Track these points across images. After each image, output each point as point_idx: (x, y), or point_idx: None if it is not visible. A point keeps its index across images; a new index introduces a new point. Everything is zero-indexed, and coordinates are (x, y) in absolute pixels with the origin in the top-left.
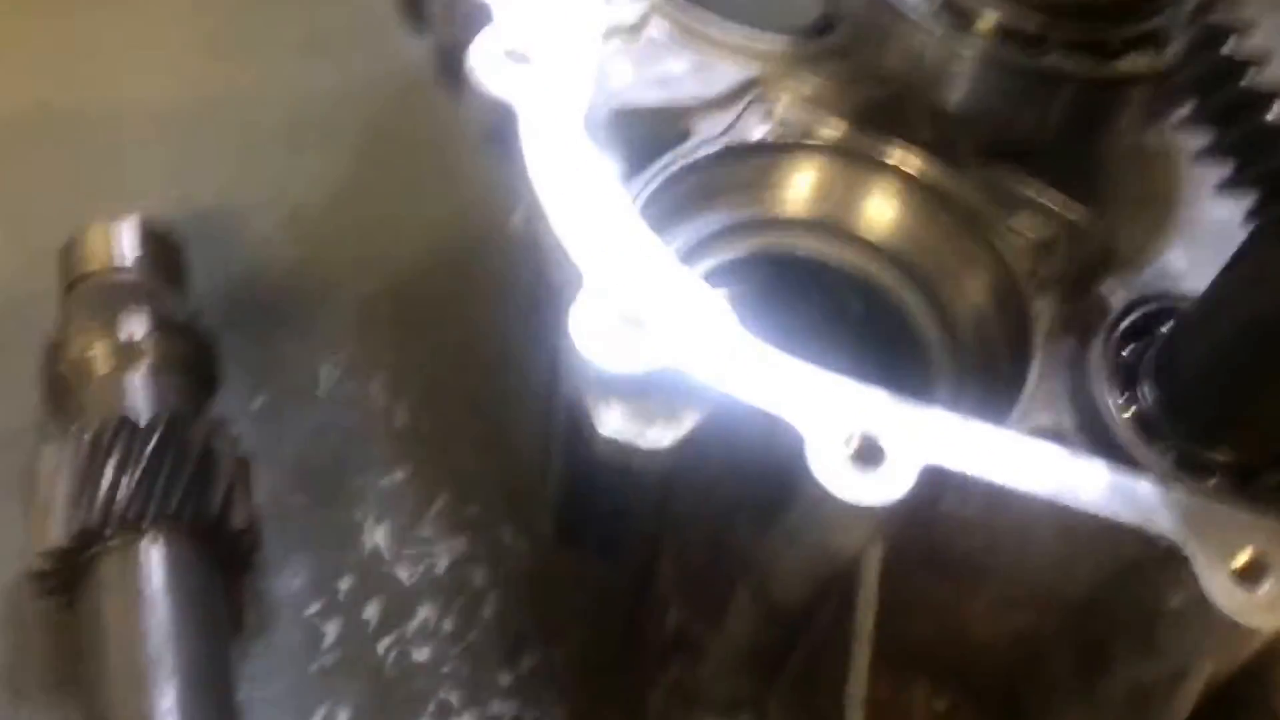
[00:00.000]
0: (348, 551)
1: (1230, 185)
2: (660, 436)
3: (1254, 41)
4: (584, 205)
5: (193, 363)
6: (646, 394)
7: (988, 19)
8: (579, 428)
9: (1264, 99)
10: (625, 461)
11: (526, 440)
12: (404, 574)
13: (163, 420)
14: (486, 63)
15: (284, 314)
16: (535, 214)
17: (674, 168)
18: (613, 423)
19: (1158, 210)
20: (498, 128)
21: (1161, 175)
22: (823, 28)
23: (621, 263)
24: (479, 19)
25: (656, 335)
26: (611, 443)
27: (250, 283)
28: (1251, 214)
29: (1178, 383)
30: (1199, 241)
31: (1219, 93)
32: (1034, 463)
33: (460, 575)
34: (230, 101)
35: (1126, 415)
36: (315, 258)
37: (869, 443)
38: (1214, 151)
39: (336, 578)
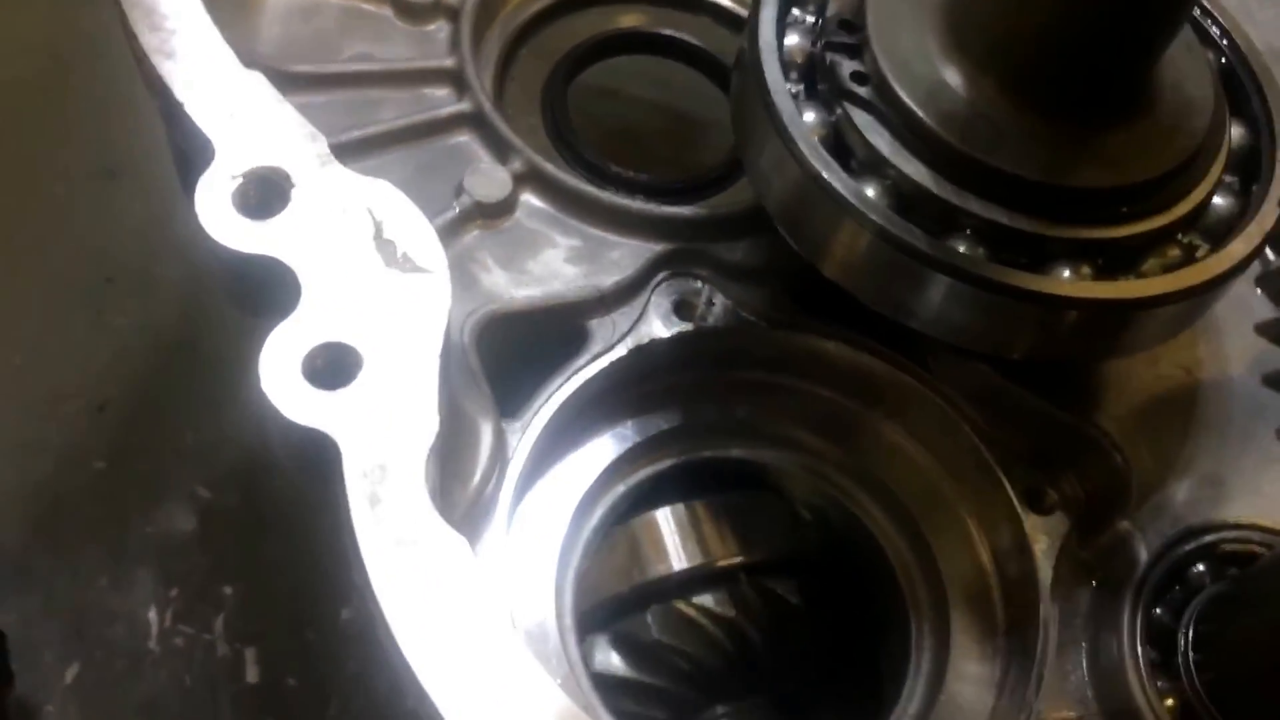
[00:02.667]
0: None
1: None
2: None
3: None
4: (444, 622)
5: None
6: None
7: (970, 218)
8: None
9: None
10: None
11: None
12: None
13: None
14: (288, 381)
15: (100, 544)
16: (379, 627)
17: (571, 385)
18: None
19: (1177, 414)
20: (309, 459)
21: (1178, 369)
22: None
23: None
24: None
25: None
26: None
27: (52, 508)
28: None
29: (1230, 668)
30: (1232, 455)
31: None
32: None
33: None
34: (11, 256)
35: (1167, 705)
36: (137, 458)
37: None
38: None
39: None
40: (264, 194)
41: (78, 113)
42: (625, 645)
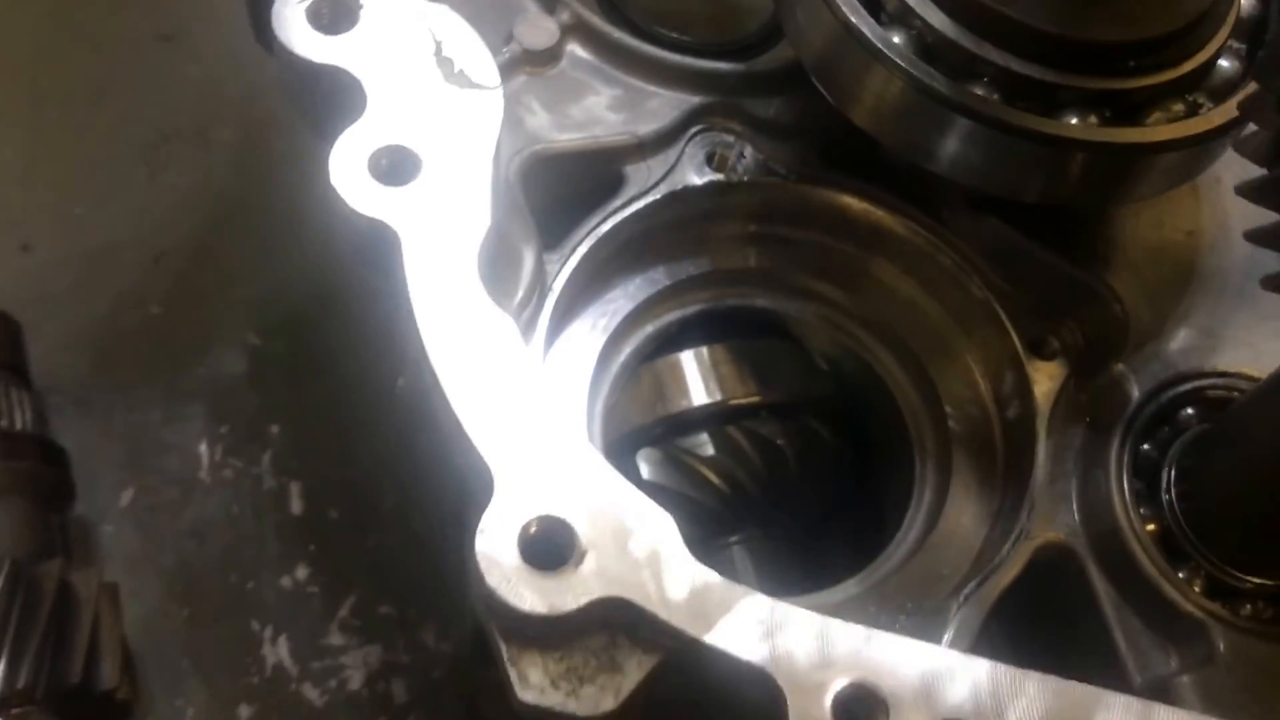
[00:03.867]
0: (246, 672)
1: None
2: (598, 699)
3: None
4: (493, 384)
5: (40, 480)
6: (578, 639)
7: (988, 66)
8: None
9: None
10: None
11: (444, 518)
12: (314, 694)
13: (4, 568)
14: (354, 177)
15: (154, 381)
16: (432, 391)
17: (607, 224)
18: (535, 682)
19: (1177, 272)
20: (371, 251)
21: (1181, 232)
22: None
23: (543, 468)
24: None
25: (590, 564)
26: (535, 708)
27: (110, 346)
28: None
29: (1207, 499)
30: (1227, 310)
31: None
32: None
33: (378, 690)
34: (72, 115)
35: (1149, 530)
36: (191, 304)
37: (862, 693)
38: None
39: (234, 705)
40: (335, 12)
41: None
42: (673, 461)
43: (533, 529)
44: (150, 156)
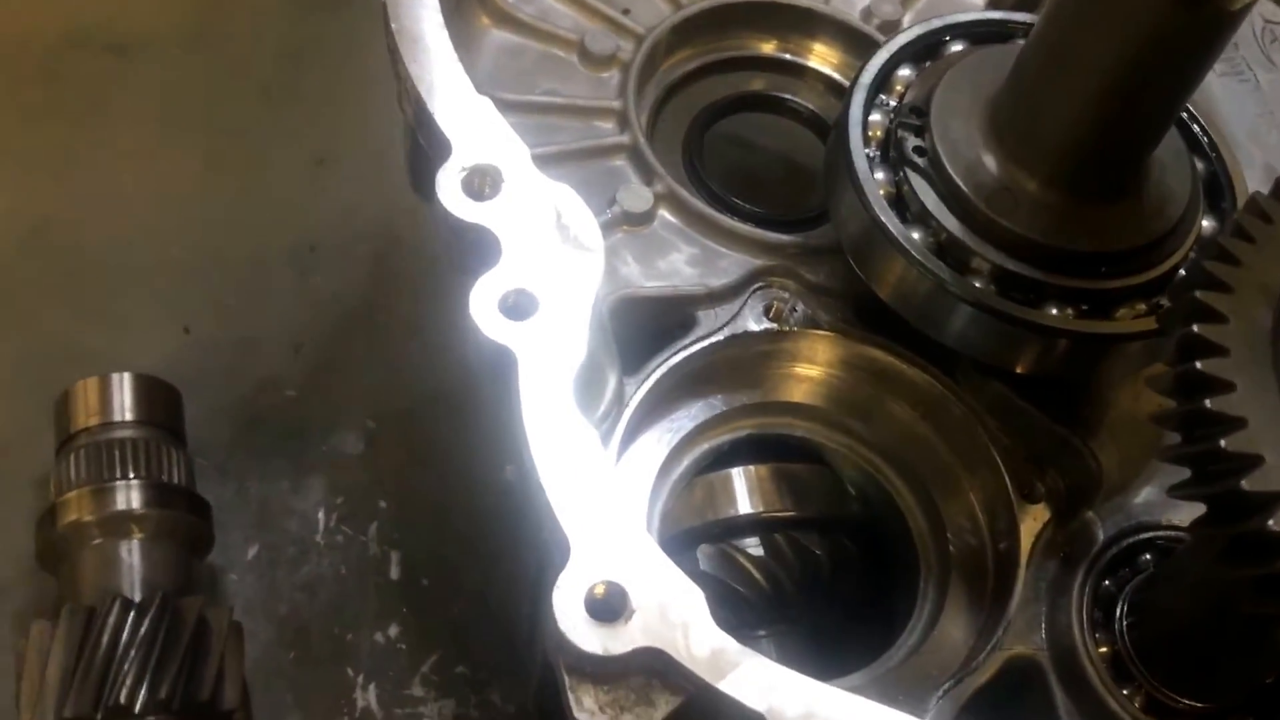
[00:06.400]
0: (339, 712)
1: (1182, 488)
2: None
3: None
4: (578, 478)
5: (187, 529)
6: (622, 678)
7: (987, 263)
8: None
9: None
10: None
11: (518, 597)
12: None
13: (157, 599)
14: (487, 312)
15: (285, 454)
16: (530, 478)
17: (677, 357)
18: (588, 706)
19: (1147, 438)
20: (495, 367)
21: (1153, 405)
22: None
23: (610, 545)
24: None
25: (637, 621)
26: None
27: (250, 421)
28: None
29: (1151, 630)
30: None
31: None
32: None
33: None
34: (234, 222)
35: (1101, 652)
36: (321, 391)
37: None
38: (1177, 455)
39: None
40: (482, 183)
41: (298, 112)
42: (726, 557)
43: (598, 590)
44: (298, 262)
